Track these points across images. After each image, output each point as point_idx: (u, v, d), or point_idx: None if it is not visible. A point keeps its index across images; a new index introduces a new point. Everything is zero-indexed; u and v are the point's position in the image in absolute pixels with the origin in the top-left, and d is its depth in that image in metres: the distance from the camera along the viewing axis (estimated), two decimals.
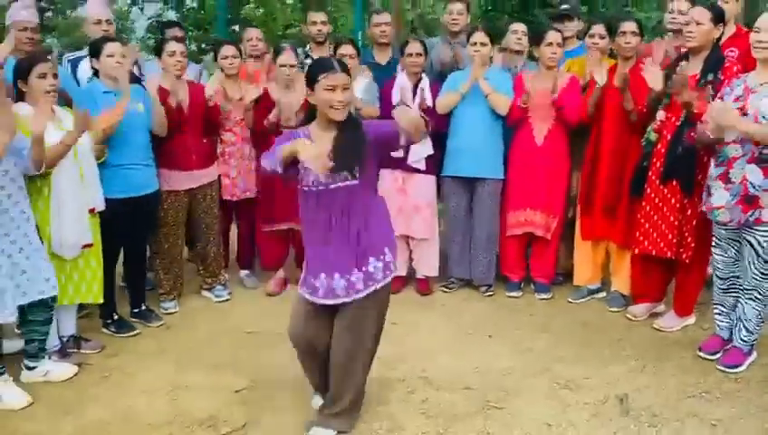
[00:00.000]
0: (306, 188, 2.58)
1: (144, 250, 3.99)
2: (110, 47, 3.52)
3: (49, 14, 15.99)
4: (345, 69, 2.55)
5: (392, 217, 4.24)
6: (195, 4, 16.80)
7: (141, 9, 19.22)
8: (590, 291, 4.26)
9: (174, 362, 3.47)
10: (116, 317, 3.80)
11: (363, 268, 2.58)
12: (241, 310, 4.20)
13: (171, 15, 18.66)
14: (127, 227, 3.67)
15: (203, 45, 15.67)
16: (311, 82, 2.52)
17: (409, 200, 4.30)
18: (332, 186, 2.52)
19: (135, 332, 3.79)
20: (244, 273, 4.66)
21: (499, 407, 3.01)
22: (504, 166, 4.26)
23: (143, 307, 3.97)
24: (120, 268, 3.95)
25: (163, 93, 3.85)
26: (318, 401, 2.91)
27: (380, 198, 2.78)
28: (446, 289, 4.48)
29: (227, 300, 4.32)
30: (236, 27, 14.05)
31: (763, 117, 3.03)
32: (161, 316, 3.99)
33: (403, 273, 4.43)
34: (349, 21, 13.77)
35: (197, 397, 3.11)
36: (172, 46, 3.92)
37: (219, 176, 4.27)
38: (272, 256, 4.51)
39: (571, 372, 3.31)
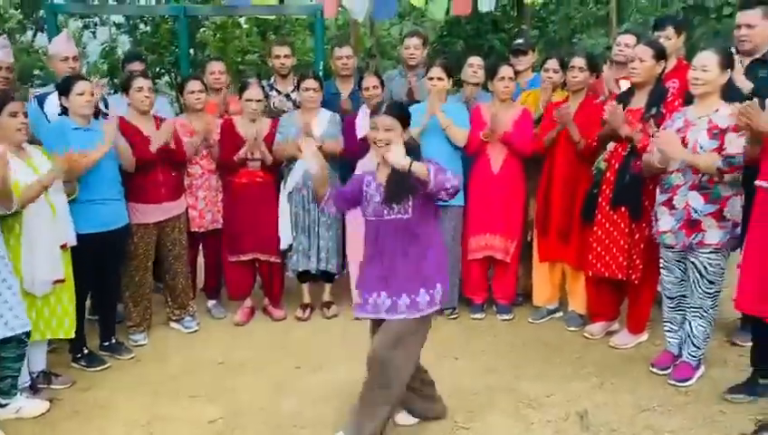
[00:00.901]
0: (368, 218, 2.92)
1: (114, 283, 3.99)
2: (80, 86, 3.56)
3: None
4: (390, 111, 2.81)
5: (355, 244, 4.39)
6: (149, 29, 16.72)
7: (94, 33, 19.05)
8: (549, 311, 4.47)
9: (147, 394, 3.50)
10: (86, 351, 3.80)
11: (412, 295, 2.83)
12: (210, 341, 4.24)
13: (124, 40, 18.52)
14: (98, 262, 3.70)
15: (158, 69, 15.59)
16: None
17: None
18: (387, 217, 2.83)
19: (106, 365, 3.80)
20: (211, 303, 4.70)
21: (467, 427, 3.15)
22: (464, 193, 4.43)
23: (113, 340, 3.98)
24: (87, 301, 3.97)
25: (129, 129, 3.90)
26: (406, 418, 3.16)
27: (438, 233, 3.00)
28: None
29: (196, 331, 4.36)
30: (191, 51, 14.07)
31: (701, 147, 3.28)
32: (131, 349, 4.01)
33: None
34: (305, 44, 13.94)
35: (174, 428, 3.17)
36: (139, 82, 3.97)
37: (187, 207, 4.34)
38: (238, 286, 4.56)
39: (534, 390, 3.48)
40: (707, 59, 3.30)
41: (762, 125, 2.93)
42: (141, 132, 3.96)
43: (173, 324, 4.39)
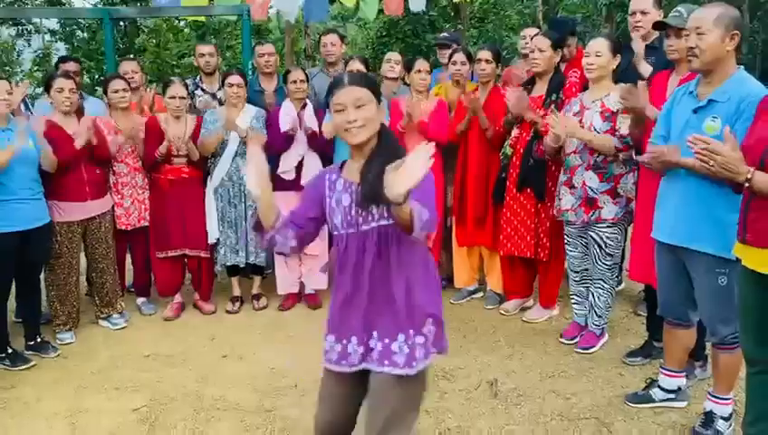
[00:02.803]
0: (336, 232, 2.06)
1: (37, 283, 4.00)
2: None
3: None
4: (359, 81, 1.98)
5: None
6: (86, 35, 16.45)
7: (28, 42, 18.62)
8: (469, 292, 4.67)
9: (72, 388, 3.54)
10: (10, 351, 3.80)
11: (405, 339, 2.00)
12: (139, 335, 4.28)
13: (61, 47, 18.18)
14: (18, 262, 3.70)
15: (97, 76, 15.39)
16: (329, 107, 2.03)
17: None
18: (364, 227, 1.98)
19: (30, 364, 3.80)
20: (140, 300, 4.73)
21: None
22: None
23: (38, 339, 3.98)
24: (13, 304, 3.97)
25: (53, 130, 3.93)
26: None
27: (425, 250, 2.15)
28: None
29: (124, 328, 4.39)
30: (131, 56, 13.96)
31: (595, 129, 3.52)
32: (57, 347, 4.02)
33: (295, 290, 4.69)
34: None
35: (97, 418, 3.21)
36: (60, 83, 3.99)
37: (113, 205, 4.38)
38: (167, 282, 4.61)
39: (449, 364, 3.65)
40: (600, 45, 3.55)
41: (637, 106, 3.18)
42: (65, 132, 3.98)
43: (101, 322, 4.40)
